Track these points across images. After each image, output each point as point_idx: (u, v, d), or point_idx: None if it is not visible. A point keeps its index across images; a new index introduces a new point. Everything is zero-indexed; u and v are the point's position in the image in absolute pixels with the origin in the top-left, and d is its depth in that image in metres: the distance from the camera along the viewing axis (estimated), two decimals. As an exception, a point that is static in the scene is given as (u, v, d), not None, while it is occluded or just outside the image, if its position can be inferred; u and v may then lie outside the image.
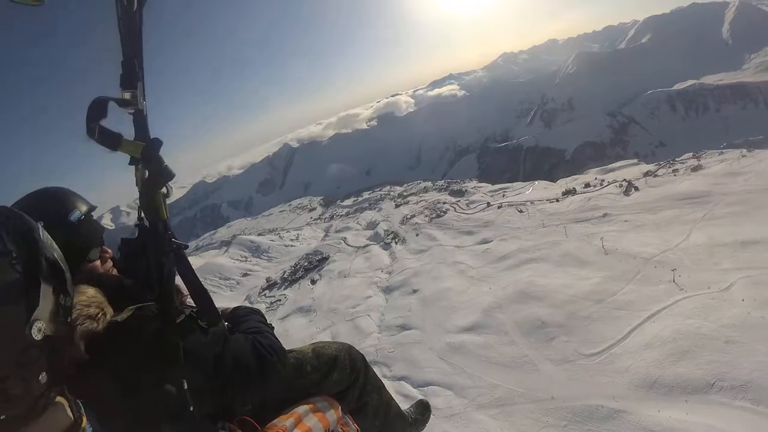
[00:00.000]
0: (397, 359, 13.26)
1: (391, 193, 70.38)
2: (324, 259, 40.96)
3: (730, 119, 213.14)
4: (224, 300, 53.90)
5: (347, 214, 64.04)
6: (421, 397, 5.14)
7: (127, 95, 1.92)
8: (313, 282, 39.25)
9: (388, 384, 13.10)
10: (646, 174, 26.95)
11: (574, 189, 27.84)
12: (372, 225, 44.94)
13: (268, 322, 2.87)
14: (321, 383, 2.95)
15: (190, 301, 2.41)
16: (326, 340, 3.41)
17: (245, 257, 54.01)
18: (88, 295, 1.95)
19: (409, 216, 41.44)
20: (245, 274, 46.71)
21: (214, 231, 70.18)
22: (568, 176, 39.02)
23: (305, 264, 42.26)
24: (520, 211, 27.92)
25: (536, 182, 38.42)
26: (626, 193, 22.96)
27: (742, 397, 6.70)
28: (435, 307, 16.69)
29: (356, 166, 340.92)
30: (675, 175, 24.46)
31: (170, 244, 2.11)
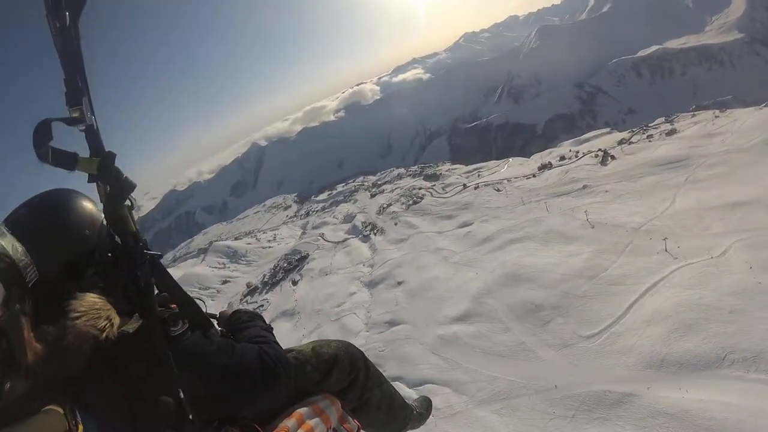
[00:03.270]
0: (389, 358, 12.75)
1: (365, 184, 69.82)
2: (303, 258, 40.28)
3: (697, 81, 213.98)
4: (206, 310, 52.75)
5: (323, 209, 63.35)
6: (421, 395, 4.85)
7: (75, 113, 1.90)
8: (295, 283, 38.57)
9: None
10: (621, 142, 26.89)
11: (550, 163, 27.64)
12: (349, 218, 44.41)
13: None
14: (321, 382, 2.91)
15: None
16: (325, 339, 3.33)
17: (223, 264, 52.86)
18: (92, 303, 1.91)
19: (385, 205, 40.97)
20: (225, 281, 45.66)
21: (190, 239, 68.75)
22: (541, 151, 38.88)
23: (284, 265, 41.50)
24: (498, 190, 27.62)
25: (510, 159, 38.25)
26: (603, 162, 22.78)
27: (756, 369, 6.33)
28: (422, 299, 16.22)
29: (327, 158, 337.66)
30: (650, 140, 24.37)
31: (143, 255, 2.10)
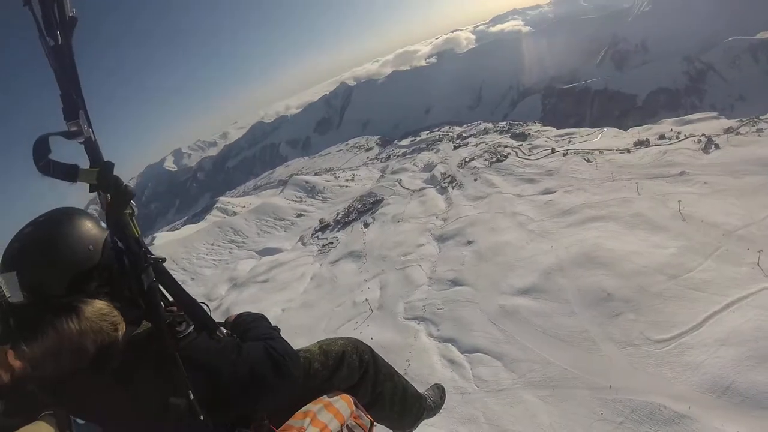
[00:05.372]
0: (446, 318, 12.76)
1: (450, 134, 68.66)
2: (378, 202, 40.69)
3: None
4: (278, 240, 55.60)
5: (404, 154, 63.09)
6: (434, 384, 4.75)
7: (73, 127, 1.93)
8: (366, 225, 39.15)
9: (433, 344, 12.67)
10: (728, 130, 24.74)
11: (647, 140, 25.89)
12: (429, 167, 44.10)
13: (275, 325, 2.78)
14: (331, 379, 2.92)
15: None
16: (332, 337, 3.33)
17: (300, 198, 54.53)
18: (98, 309, 1.92)
19: (467, 159, 40.23)
20: (299, 215, 47.19)
21: (272, 170, 71.53)
22: (639, 125, 36.51)
23: (359, 206, 42.18)
24: (588, 161, 26.26)
25: (605, 129, 36.20)
26: (706, 150, 21.03)
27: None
28: (490, 263, 16.00)
29: (414, 104, 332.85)
30: (759, 135, 22.21)
31: (146, 259, 2.13)
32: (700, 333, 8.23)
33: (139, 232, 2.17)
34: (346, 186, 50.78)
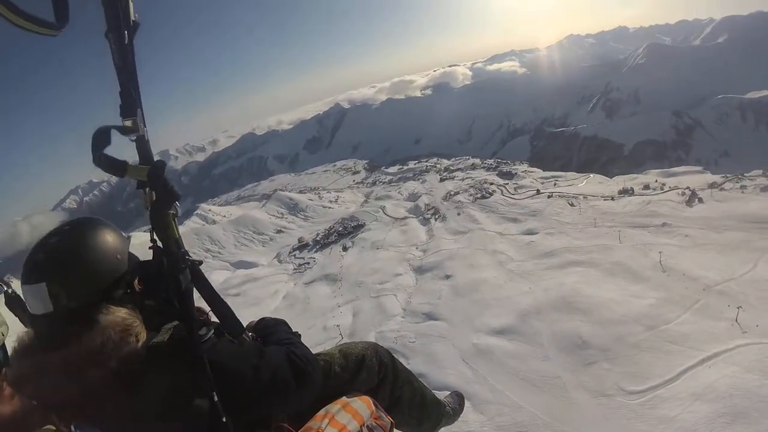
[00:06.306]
0: (418, 352, 12.49)
1: (438, 166, 69.44)
2: (359, 226, 40.52)
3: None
4: (255, 254, 55.03)
5: (390, 181, 63.48)
6: (453, 391, 4.70)
7: (128, 123, 1.99)
8: (345, 249, 38.94)
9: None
10: (712, 185, 25.34)
11: (632, 189, 26.33)
12: (413, 197, 44.20)
13: (294, 331, 3.00)
14: (351, 382, 3.02)
15: (213, 318, 2.49)
16: (352, 341, 3.52)
17: (282, 214, 54.40)
18: (120, 320, 1.96)
19: (453, 192, 40.38)
20: (279, 231, 46.87)
21: (257, 183, 71.40)
22: (624, 173, 37.23)
23: (339, 229, 41.99)
24: (572, 205, 26.45)
25: (591, 175, 36.76)
26: (689, 203, 21.45)
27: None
28: (467, 299, 15.81)
29: (406, 133, 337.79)
30: (743, 191, 22.79)
31: (185, 261, 2.18)
32: (675, 386, 8.21)
33: (179, 234, 2.23)
34: (329, 207, 50.71)
